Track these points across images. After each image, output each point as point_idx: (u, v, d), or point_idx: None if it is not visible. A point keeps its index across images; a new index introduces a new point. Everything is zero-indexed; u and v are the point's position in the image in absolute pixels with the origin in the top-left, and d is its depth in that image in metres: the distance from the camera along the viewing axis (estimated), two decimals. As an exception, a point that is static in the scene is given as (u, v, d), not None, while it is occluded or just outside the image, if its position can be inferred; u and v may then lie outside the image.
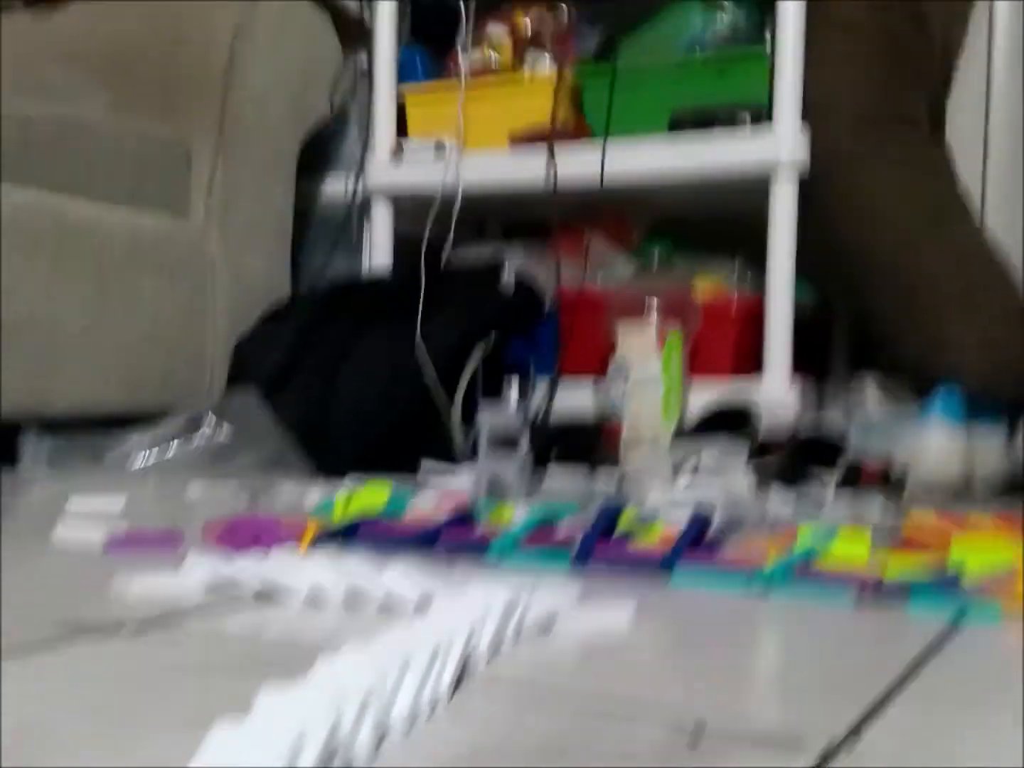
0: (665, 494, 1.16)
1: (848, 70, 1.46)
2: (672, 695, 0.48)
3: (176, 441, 1.46)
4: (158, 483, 1.30)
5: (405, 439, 1.40)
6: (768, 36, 1.45)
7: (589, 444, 1.46)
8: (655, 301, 1.47)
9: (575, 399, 1.56)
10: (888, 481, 1.27)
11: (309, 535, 0.75)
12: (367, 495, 0.95)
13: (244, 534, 0.74)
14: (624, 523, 0.84)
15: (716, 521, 0.83)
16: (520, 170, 1.59)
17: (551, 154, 1.54)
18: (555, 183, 1.54)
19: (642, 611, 0.62)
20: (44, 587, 0.69)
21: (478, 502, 0.89)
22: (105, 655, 0.52)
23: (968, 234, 1.48)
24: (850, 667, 0.55)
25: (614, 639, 0.57)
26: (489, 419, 1.26)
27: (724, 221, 1.63)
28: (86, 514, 0.93)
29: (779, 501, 1.08)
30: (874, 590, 0.70)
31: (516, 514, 0.87)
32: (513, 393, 1.41)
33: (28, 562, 0.76)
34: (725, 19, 1.46)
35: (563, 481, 1.25)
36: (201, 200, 1.56)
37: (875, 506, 1.07)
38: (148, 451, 1.42)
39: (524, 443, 1.21)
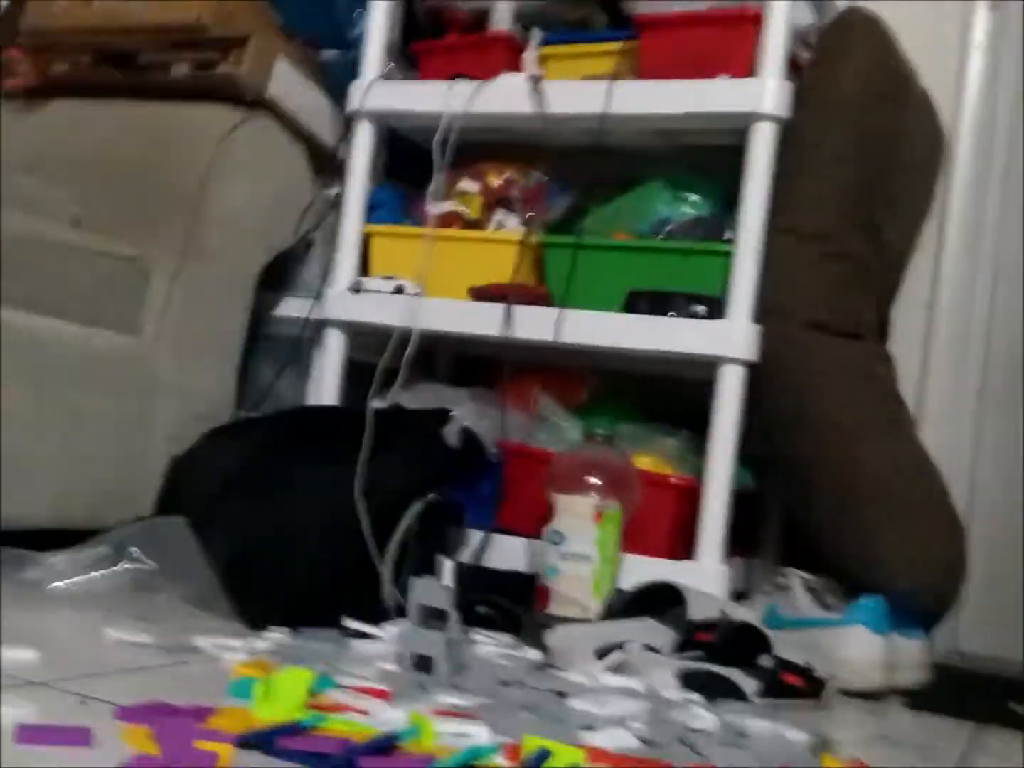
0: (590, 682, 1.17)
1: (802, 277, 1.49)
2: None
3: (99, 565, 1.44)
4: (74, 618, 1.26)
5: (332, 592, 1.38)
6: (731, 231, 1.48)
7: (518, 603, 1.45)
8: (596, 474, 1.48)
9: (508, 554, 1.56)
10: (808, 692, 1.28)
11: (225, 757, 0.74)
12: (285, 691, 0.94)
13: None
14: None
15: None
16: (476, 323, 1.60)
17: (507, 314, 1.55)
18: (508, 342, 1.55)
19: None
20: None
21: (394, 733, 0.87)
22: None
23: (907, 446, 1.52)
24: None
25: None
26: (421, 589, 1.25)
27: (672, 392, 1.66)
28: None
29: (701, 717, 1.08)
30: None
31: (438, 740, 0.86)
32: (447, 565, 1.40)
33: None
34: (691, 208, 1.49)
35: (489, 656, 1.25)
36: (154, 319, 1.55)
37: (795, 737, 1.07)
38: (68, 575, 1.39)
39: (454, 620, 1.19)
